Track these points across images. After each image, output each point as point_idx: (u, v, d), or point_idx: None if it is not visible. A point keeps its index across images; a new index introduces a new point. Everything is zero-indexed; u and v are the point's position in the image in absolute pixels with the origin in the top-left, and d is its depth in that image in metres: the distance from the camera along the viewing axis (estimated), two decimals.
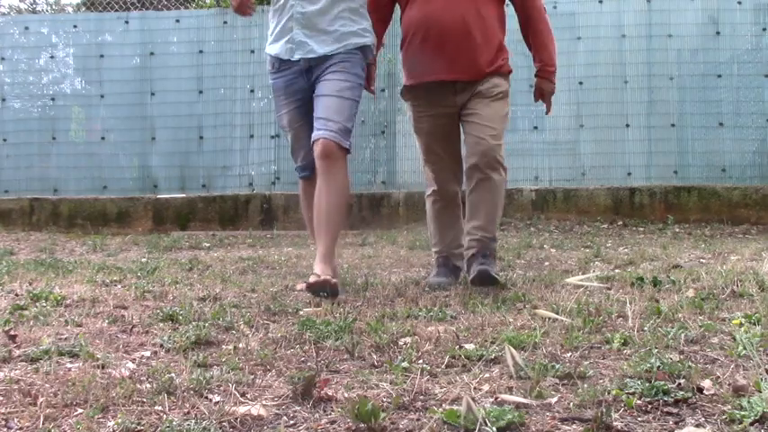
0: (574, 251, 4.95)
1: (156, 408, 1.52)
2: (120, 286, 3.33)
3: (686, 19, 7.49)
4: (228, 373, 1.76)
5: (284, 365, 1.87)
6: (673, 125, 7.46)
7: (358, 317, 2.45)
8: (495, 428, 1.34)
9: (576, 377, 1.69)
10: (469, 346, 2.00)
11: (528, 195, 7.37)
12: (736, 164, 7.39)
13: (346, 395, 1.59)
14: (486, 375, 1.74)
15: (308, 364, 1.89)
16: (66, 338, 2.19)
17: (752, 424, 1.35)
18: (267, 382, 1.73)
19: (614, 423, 1.37)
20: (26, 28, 8.20)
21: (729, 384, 1.58)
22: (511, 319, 2.39)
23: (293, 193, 7.24)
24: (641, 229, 6.80)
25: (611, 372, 1.76)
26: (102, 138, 7.92)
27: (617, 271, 3.66)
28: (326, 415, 1.49)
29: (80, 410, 1.50)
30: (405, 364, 1.81)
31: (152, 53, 7.89)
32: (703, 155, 7.43)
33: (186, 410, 1.50)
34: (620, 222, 7.08)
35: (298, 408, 1.53)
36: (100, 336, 2.23)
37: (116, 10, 8.41)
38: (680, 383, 1.60)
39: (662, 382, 1.55)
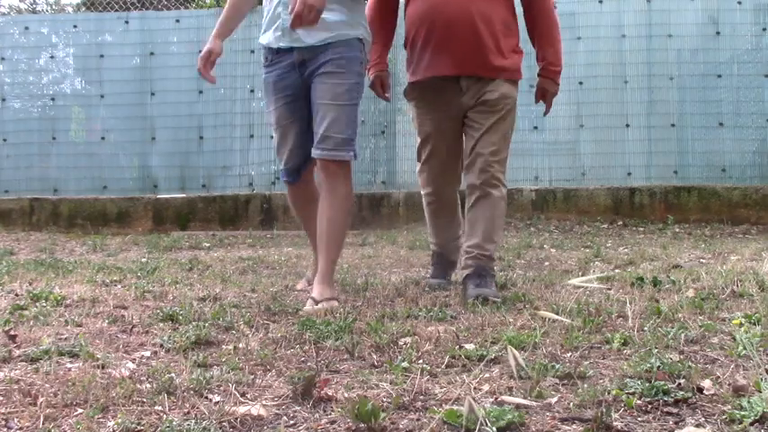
0: (574, 251, 4.95)
1: (156, 408, 1.52)
2: (120, 286, 3.33)
3: (686, 19, 7.49)
4: (228, 373, 1.76)
5: (284, 365, 1.87)
6: (673, 125, 7.47)
7: (358, 317, 2.45)
8: (495, 428, 1.34)
9: (576, 377, 1.69)
10: (469, 346, 2.00)
11: (528, 195, 7.37)
12: (736, 164, 7.39)
13: (346, 395, 1.59)
14: (487, 375, 1.74)
15: (308, 364, 1.89)
16: (66, 338, 2.19)
17: (752, 424, 1.35)
18: (267, 382, 1.73)
19: (614, 423, 1.37)
20: (26, 28, 8.20)
21: (729, 384, 1.58)
22: (511, 320, 2.39)
23: None
24: (641, 229, 6.80)
25: (611, 372, 1.76)
26: (102, 138, 7.92)
27: (617, 271, 3.66)
28: (326, 415, 1.49)
29: (80, 410, 1.50)
30: (405, 364, 1.81)
31: (152, 53, 7.89)
32: (703, 155, 7.43)
33: (186, 410, 1.50)
34: (620, 222, 7.08)
35: (298, 408, 1.53)
36: (100, 336, 2.23)
37: (116, 10, 8.41)
38: (680, 383, 1.60)
39: (662, 382, 1.55)
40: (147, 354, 2.03)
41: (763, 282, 2.94)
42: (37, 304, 2.75)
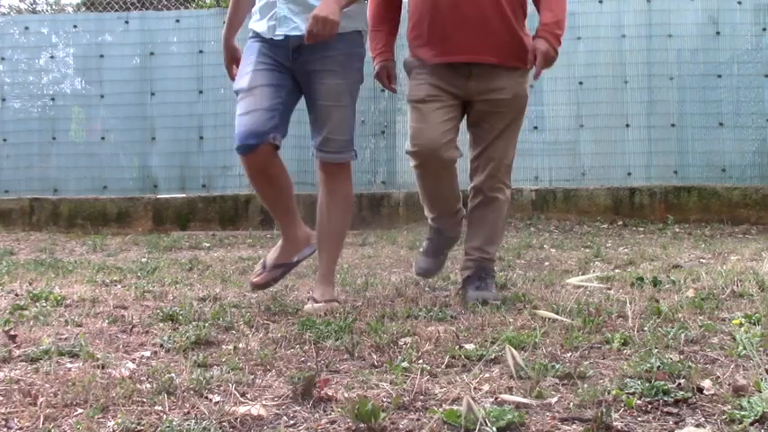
0: (574, 251, 4.95)
1: (156, 408, 1.52)
2: (120, 286, 3.33)
3: (686, 19, 7.49)
4: (228, 373, 1.76)
5: (284, 365, 1.87)
6: (673, 125, 7.46)
7: (358, 317, 2.45)
8: (495, 428, 1.34)
9: (576, 377, 1.69)
10: (469, 346, 2.00)
11: (528, 195, 7.37)
12: (736, 164, 7.39)
13: (346, 395, 1.59)
14: (486, 375, 1.74)
15: (308, 364, 1.89)
16: (66, 338, 2.19)
17: (752, 424, 1.35)
18: (267, 382, 1.73)
19: (614, 423, 1.37)
20: (26, 28, 8.20)
21: (729, 384, 1.58)
22: (511, 320, 2.39)
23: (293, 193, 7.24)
24: (641, 229, 6.80)
25: (611, 372, 1.76)
26: (102, 138, 7.91)
27: (617, 271, 3.66)
28: (326, 415, 1.49)
29: (80, 410, 1.50)
30: (405, 364, 1.81)
31: (152, 53, 7.88)
32: (703, 155, 7.43)
33: (186, 410, 1.50)
34: (620, 222, 7.08)
35: (298, 408, 1.53)
36: (100, 336, 2.23)
37: (116, 10, 8.41)
38: (680, 383, 1.60)
39: (662, 382, 1.55)
40: (147, 354, 2.03)
41: (763, 282, 2.94)
42: (37, 304, 2.75)
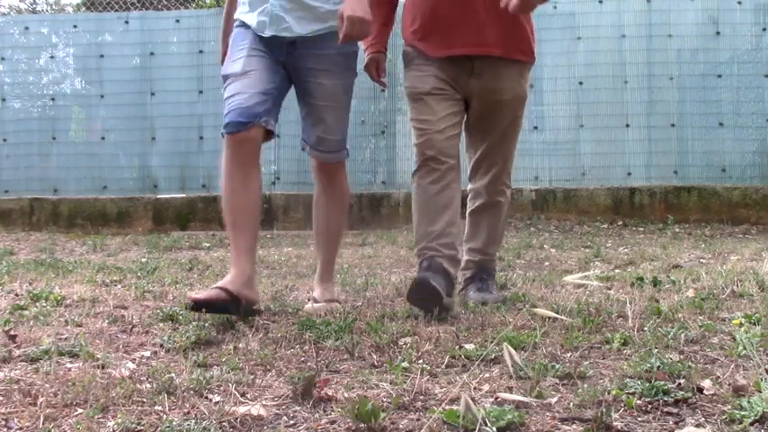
0: (574, 251, 4.95)
1: (156, 408, 1.52)
2: (120, 286, 3.33)
3: (686, 19, 7.49)
4: (228, 373, 1.76)
5: (284, 365, 1.87)
6: (673, 125, 7.47)
7: (358, 317, 2.45)
8: (494, 428, 1.34)
9: (576, 377, 1.69)
10: (469, 346, 2.00)
11: (528, 195, 7.37)
12: (736, 164, 7.40)
13: (346, 395, 1.59)
14: (486, 375, 1.74)
15: (308, 364, 1.89)
16: (66, 338, 2.19)
17: (752, 424, 1.35)
18: (267, 382, 1.73)
19: (614, 423, 1.37)
20: (26, 28, 8.20)
21: (729, 384, 1.58)
22: (511, 319, 2.39)
23: (293, 193, 7.24)
24: (641, 229, 6.80)
25: (611, 372, 1.76)
26: (102, 138, 7.92)
27: (617, 271, 3.66)
28: (326, 415, 1.49)
29: (80, 410, 1.50)
30: (405, 364, 1.81)
31: (152, 53, 7.89)
32: (703, 155, 7.43)
33: (186, 410, 1.50)
34: (620, 222, 7.08)
35: (298, 408, 1.53)
36: (100, 336, 2.23)
37: (116, 10, 8.42)
38: (680, 383, 1.60)
39: (662, 382, 1.55)
40: (147, 354, 2.03)
41: (763, 282, 2.94)
42: (37, 304, 2.75)
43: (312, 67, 2.62)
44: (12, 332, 2.19)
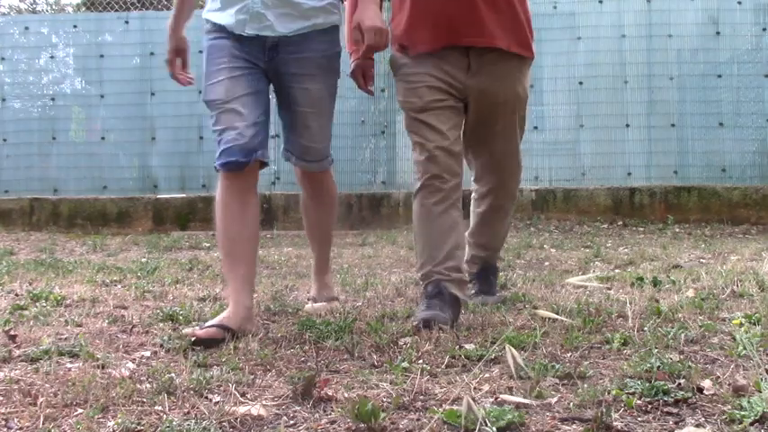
0: (574, 251, 4.95)
1: (156, 408, 1.52)
2: (120, 286, 3.33)
3: (686, 19, 7.49)
4: (228, 373, 1.76)
5: (284, 365, 1.87)
6: (673, 125, 7.46)
7: (358, 317, 2.45)
8: (495, 428, 1.34)
9: (576, 377, 1.69)
10: (469, 346, 2.00)
11: (528, 195, 7.37)
12: (736, 164, 7.39)
13: (346, 395, 1.59)
14: (487, 375, 1.74)
15: (308, 364, 1.89)
16: (66, 338, 2.19)
17: (752, 424, 1.35)
18: (267, 382, 1.73)
19: (614, 423, 1.37)
20: (26, 28, 8.20)
21: (729, 384, 1.58)
22: (511, 319, 2.39)
23: (293, 193, 7.23)
24: (641, 229, 6.80)
25: (611, 372, 1.76)
26: (102, 138, 7.91)
27: (617, 271, 3.66)
28: (326, 415, 1.49)
29: (80, 410, 1.50)
30: (405, 364, 1.81)
31: (152, 53, 7.88)
32: (703, 155, 7.43)
33: (186, 410, 1.50)
34: (620, 222, 7.07)
35: (298, 408, 1.53)
36: (100, 336, 2.23)
37: (116, 10, 8.41)
38: (680, 383, 1.60)
39: (662, 382, 1.55)
40: (147, 354, 2.03)
41: (763, 282, 2.94)
42: (37, 304, 2.75)
43: (296, 72, 2.47)
44: (12, 332, 2.19)
